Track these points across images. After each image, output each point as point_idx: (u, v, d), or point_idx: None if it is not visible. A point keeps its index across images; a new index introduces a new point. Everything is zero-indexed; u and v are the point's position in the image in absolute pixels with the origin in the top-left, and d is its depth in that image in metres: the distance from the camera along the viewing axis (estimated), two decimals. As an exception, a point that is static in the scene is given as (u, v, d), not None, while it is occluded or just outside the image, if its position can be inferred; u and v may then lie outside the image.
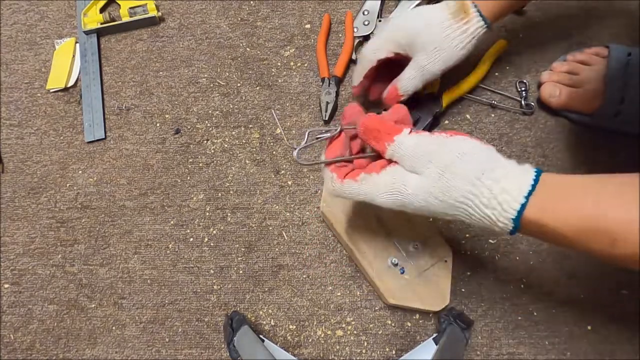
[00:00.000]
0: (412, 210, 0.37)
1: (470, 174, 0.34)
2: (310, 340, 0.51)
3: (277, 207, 0.58)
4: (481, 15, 0.48)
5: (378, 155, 0.39)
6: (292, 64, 0.65)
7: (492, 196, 0.33)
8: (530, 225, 0.33)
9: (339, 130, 0.41)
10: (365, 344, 0.51)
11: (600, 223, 0.31)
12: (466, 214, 0.35)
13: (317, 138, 0.41)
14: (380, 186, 0.37)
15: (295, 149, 0.39)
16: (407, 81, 0.50)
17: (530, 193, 0.33)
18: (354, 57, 0.64)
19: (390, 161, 0.38)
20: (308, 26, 0.67)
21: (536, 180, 0.33)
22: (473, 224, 0.36)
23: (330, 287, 0.53)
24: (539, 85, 0.60)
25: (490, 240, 0.54)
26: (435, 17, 0.48)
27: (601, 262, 0.34)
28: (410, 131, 0.37)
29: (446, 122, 0.60)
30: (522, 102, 0.60)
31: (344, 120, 0.41)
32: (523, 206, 0.33)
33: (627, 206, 0.31)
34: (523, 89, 0.61)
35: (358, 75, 0.54)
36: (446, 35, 0.47)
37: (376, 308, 0.52)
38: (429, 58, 0.48)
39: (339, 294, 0.53)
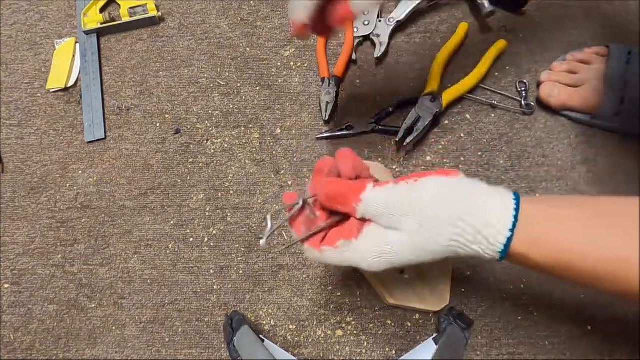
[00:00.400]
0: (403, 266, 0.35)
1: (449, 216, 0.32)
2: (310, 340, 0.51)
3: (277, 207, 0.58)
4: None
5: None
6: (292, 64, 0.65)
7: (476, 232, 0.32)
8: (518, 257, 0.33)
9: (301, 204, 0.37)
10: (365, 344, 0.51)
11: (598, 263, 0.31)
12: (455, 253, 0.34)
13: (282, 222, 0.38)
14: (364, 252, 0.35)
15: (261, 238, 0.36)
16: None
17: (514, 225, 0.32)
18: (354, 57, 0.64)
19: (364, 219, 0.36)
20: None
21: (517, 209, 0.32)
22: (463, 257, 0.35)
23: (330, 287, 0.53)
24: (538, 84, 0.60)
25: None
26: None
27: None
28: (374, 184, 0.35)
29: (446, 122, 0.60)
30: (522, 102, 0.60)
31: (315, 176, 0.38)
32: (509, 239, 0.32)
33: (623, 242, 0.30)
34: (523, 89, 0.61)
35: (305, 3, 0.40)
36: None
37: (376, 308, 0.52)
38: None
39: (339, 294, 0.53)
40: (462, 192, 0.33)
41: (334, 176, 0.38)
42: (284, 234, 0.56)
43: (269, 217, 0.36)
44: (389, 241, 0.34)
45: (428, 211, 0.33)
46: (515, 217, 0.32)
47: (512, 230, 0.32)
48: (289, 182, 0.59)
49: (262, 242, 0.35)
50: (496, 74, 0.62)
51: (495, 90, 0.61)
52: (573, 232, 0.32)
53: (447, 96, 0.59)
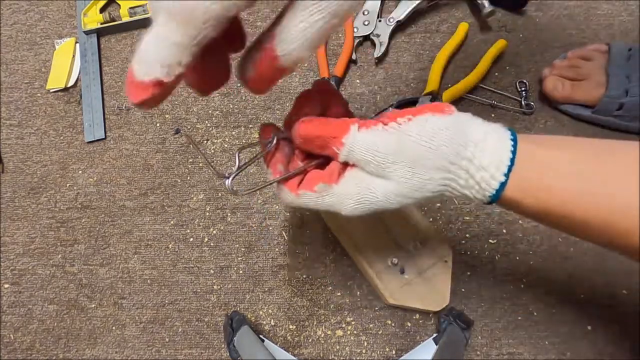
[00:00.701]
0: (384, 211, 0.33)
1: (444, 161, 0.30)
2: (310, 340, 0.51)
3: (277, 207, 0.58)
4: None
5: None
6: (292, 64, 0.65)
7: (468, 176, 0.30)
8: (509, 202, 0.31)
9: (274, 140, 0.33)
10: (365, 344, 0.51)
11: (597, 212, 0.28)
12: (446, 196, 0.32)
13: (253, 159, 0.33)
14: (344, 197, 0.32)
15: (227, 177, 0.30)
16: (300, 39, 0.25)
17: (509, 169, 0.29)
18: (354, 57, 0.64)
19: (346, 163, 0.32)
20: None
21: (514, 152, 0.30)
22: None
23: (330, 287, 0.53)
24: (541, 80, 0.60)
25: (490, 240, 0.54)
26: None
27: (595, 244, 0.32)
28: (359, 125, 0.31)
29: (446, 122, 0.60)
30: (522, 102, 0.60)
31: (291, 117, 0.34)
32: (502, 184, 0.30)
33: (623, 187, 0.28)
34: (523, 89, 0.61)
35: (176, 55, 0.23)
36: None
37: (376, 308, 0.52)
38: None
39: (339, 294, 0.53)
40: (456, 133, 0.30)
41: (316, 112, 0.33)
42: (283, 234, 0.56)
43: (237, 154, 0.31)
44: (373, 188, 0.31)
45: (421, 159, 0.30)
46: (512, 161, 0.30)
47: (506, 175, 0.30)
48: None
49: (227, 182, 0.30)
50: (496, 74, 0.62)
51: (495, 90, 0.61)
52: (569, 177, 0.29)
53: (447, 96, 0.59)
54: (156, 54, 0.23)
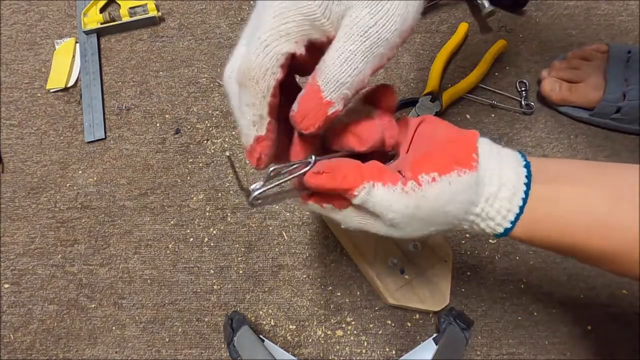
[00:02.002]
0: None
1: (453, 219, 0.30)
2: (310, 340, 0.51)
3: (277, 207, 0.57)
4: None
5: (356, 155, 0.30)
6: (292, 64, 0.65)
7: (481, 220, 0.30)
8: (518, 239, 0.32)
9: (313, 161, 0.29)
10: (365, 344, 0.51)
11: (606, 242, 0.28)
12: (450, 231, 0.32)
13: (282, 176, 0.29)
14: (350, 221, 0.31)
15: (252, 192, 0.27)
16: (340, 66, 0.25)
17: (517, 217, 0.29)
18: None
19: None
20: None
21: (525, 199, 0.29)
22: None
23: (330, 287, 0.53)
24: (539, 81, 0.60)
25: (490, 241, 0.54)
26: None
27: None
28: (375, 181, 0.29)
29: (446, 122, 0.60)
30: (522, 102, 0.60)
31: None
32: (508, 230, 0.30)
33: (632, 217, 0.28)
34: (523, 89, 0.61)
35: (255, 114, 0.27)
36: None
37: (376, 308, 0.52)
38: (374, 11, 0.25)
39: (339, 294, 0.53)
40: (472, 194, 0.29)
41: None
42: (283, 234, 0.56)
43: (268, 171, 0.28)
44: (377, 227, 0.31)
45: (432, 219, 0.29)
46: (521, 209, 0.29)
47: (513, 222, 0.30)
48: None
49: (253, 194, 0.27)
50: (496, 74, 0.62)
51: (495, 90, 0.61)
52: (582, 214, 0.29)
53: (447, 96, 0.59)
54: (244, 120, 0.28)
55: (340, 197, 0.30)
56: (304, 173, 0.29)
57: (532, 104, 0.60)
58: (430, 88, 0.59)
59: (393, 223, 0.29)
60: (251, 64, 0.25)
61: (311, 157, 0.29)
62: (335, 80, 0.25)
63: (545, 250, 0.33)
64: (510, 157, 0.30)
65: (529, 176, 0.30)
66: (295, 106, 0.27)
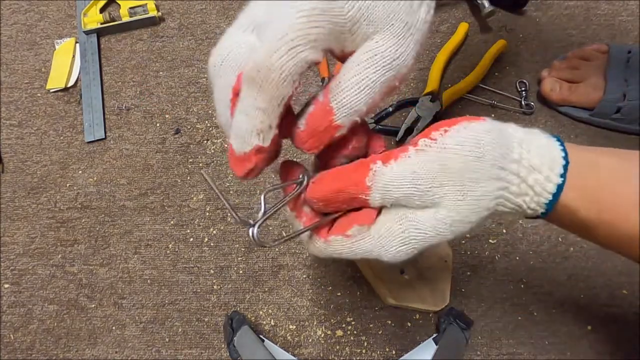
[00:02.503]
0: (433, 246, 0.28)
1: (493, 167, 0.26)
2: (310, 340, 0.51)
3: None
4: None
5: None
6: (292, 64, 0.65)
7: (520, 180, 0.26)
8: (566, 212, 0.27)
9: (305, 181, 0.28)
10: (365, 344, 0.51)
11: None
12: (498, 211, 0.27)
13: (279, 202, 0.28)
14: (385, 239, 0.27)
15: (253, 225, 0.26)
16: (358, 93, 0.24)
17: (565, 169, 0.26)
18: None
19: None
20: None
21: (564, 150, 0.26)
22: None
23: (330, 287, 0.53)
24: (539, 81, 0.60)
25: (490, 241, 0.54)
26: None
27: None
28: (384, 161, 0.26)
29: (446, 122, 0.60)
30: (522, 102, 0.60)
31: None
32: (560, 187, 0.26)
33: None
34: (523, 88, 0.61)
35: (264, 121, 0.24)
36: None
37: (376, 308, 0.52)
38: (400, 43, 0.24)
39: (339, 294, 0.53)
40: (498, 134, 0.26)
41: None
42: (283, 233, 0.56)
43: (262, 198, 0.26)
44: (419, 222, 0.26)
45: (469, 172, 0.25)
46: (565, 159, 0.26)
47: (562, 175, 0.26)
48: (289, 182, 0.59)
49: (252, 231, 0.25)
50: (496, 74, 0.62)
51: (495, 90, 0.61)
52: (629, 184, 0.26)
53: (447, 96, 0.59)
54: (249, 124, 0.24)
55: (364, 212, 0.27)
56: (304, 188, 0.27)
57: (532, 104, 0.60)
58: (430, 88, 0.59)
59: (430, 199, 0.26)
60: (272, 64, 0.22)
61: (301, 176, 0.28)
62: (349, 106, 0.24)
63: (587, 235, 0.29)
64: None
65: (556, 136, 0.28)
66: (302, 124, 0.26)
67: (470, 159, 0.25)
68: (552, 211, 0.27)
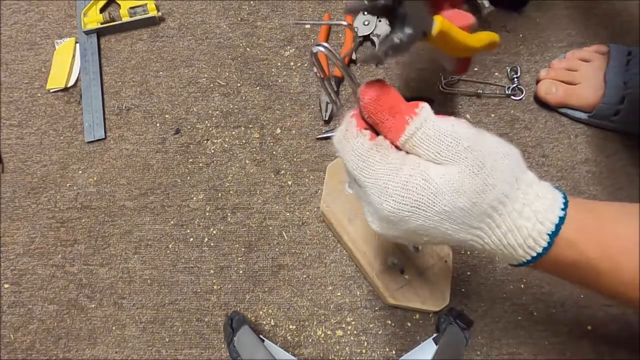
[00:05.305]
0: (416, 224, 0.28)
1: (509, 174, 0.27)
2: (310, 340, 0.51)
3: (277, 207, 0.58)
4: None
5: None
6: (292, 64, 0.65)
7: (526, 202, 0.28)
8: (564, 249, 0.28)
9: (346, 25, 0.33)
10: (365, 344, 0.51)
11: None
12: (490, 227, 0.28)
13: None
14: (389, 181, 0.27)
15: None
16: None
17: (566, 205, 0.28)
18: (354, 57, 0.64)
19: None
20: (308, 26, 0.67)
21: (565, 196, 0.29)
22: (487, 248, 0.29)
23: (330, 287, 0.53)
24: (537, 82, 0.60)
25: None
26: None
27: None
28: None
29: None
30: (507, 88, 0.60)
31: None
32: (562, 219, 0.27)
33: None
34: (515, 75, 0.61)
35: None
36: None
37: (376, 308, 0.52)
38: None
39: (339, 294, 0.53)
40: (520, 163, 0.29)
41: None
42: (283, 234, 0.56)
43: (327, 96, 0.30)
44: (428, 174, 0.27)
45: (492, 158, 0.27)
46: (565, 197, 0.28)
47: (564, 209, 0.28)
48: (289, 182, 0.59)
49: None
50: (496, 73, 0.62)
51: (485, 82, 0.61)
52: (625, 228, 0.28)
53: (441, 22, 0.43)
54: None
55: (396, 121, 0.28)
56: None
57: (522, 87, 0.60)
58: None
59: (453, 154, 0.27)
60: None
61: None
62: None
63: (583, 279, 0.30)
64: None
65: (560, 190, 0.30)
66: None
67: (497, 150, 0.28)
68: (550, 249, 0.28)
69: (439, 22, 0.35)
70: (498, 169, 0.27)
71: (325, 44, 0.30)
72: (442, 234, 0.28)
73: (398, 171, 0.27)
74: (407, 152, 0.29)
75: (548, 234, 0.27)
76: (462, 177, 0.27)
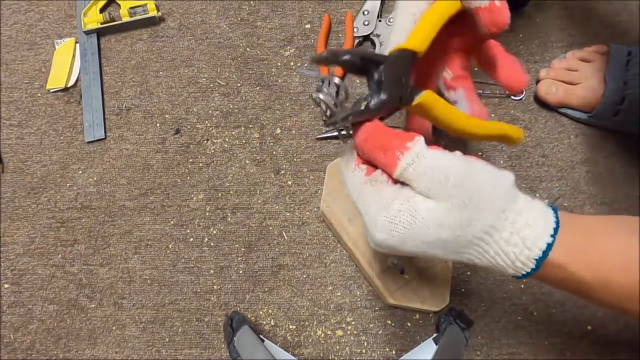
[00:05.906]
0: (407, 249, 0.29)
1: (497, 205, 0.28)
2: (310, 340, 0.51)
3: (277, 207, 0.58)
4: None
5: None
6: (292, 64, 0.65)
7: (514, 230, 0.28)
8: (553, 269, 0.29)
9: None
10: (365, 344, 0.51)
11: None
12: (479, 252, 0.30)
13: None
14: (383, 208, 0.29)
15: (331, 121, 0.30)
16: None
17: (556, 231, 0.29)
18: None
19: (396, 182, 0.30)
20: (308, 26, 0.67)
21: (557, 219, 0.29)
22: (481, 265, 0.30)
23: (330, 287, 0.53)
24: (537, 82, 0.60)
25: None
26: None
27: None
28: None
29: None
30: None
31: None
32: (549, 246, 0.29)
33: None
34: None
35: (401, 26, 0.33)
36: None
37: (376, 308, 0.52)
38: None
39: (339, 294, 0.53)
40: (511, 190, 0.29)
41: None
42: (283, 234, 0.56)
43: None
44: (416, 208, 0.28)
45: (480, 193, 0.28)
46: (557, 224, 0.29)
47: (553, 235, 0.29)
48: (289, 182, 0.59)
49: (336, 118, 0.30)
50: (496, 74, 0.62)
51: (485, 82, 0.61)
52: (614, 245, 0.29)
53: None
54: None
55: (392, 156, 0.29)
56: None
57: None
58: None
59: (441, 190, 0.28)
60: None
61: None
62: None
63: (578, 292, 0.31)
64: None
65: (553, 207, 0.31)
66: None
67: (485, 186, 0.28)
68: (540, 269, 0.29)
69: (425, 96, 0.30)
70: (485, 201, 0.28)
71: (325, 91, 0.32)
72: (433, 257, 0.30)
73: (388, 206, 0.29)
74: (403, 184, 0.30)
75: (535, 259, 0.29)
76: (447, 213, 0.28)
